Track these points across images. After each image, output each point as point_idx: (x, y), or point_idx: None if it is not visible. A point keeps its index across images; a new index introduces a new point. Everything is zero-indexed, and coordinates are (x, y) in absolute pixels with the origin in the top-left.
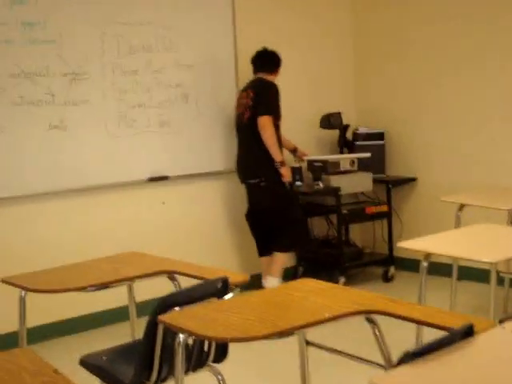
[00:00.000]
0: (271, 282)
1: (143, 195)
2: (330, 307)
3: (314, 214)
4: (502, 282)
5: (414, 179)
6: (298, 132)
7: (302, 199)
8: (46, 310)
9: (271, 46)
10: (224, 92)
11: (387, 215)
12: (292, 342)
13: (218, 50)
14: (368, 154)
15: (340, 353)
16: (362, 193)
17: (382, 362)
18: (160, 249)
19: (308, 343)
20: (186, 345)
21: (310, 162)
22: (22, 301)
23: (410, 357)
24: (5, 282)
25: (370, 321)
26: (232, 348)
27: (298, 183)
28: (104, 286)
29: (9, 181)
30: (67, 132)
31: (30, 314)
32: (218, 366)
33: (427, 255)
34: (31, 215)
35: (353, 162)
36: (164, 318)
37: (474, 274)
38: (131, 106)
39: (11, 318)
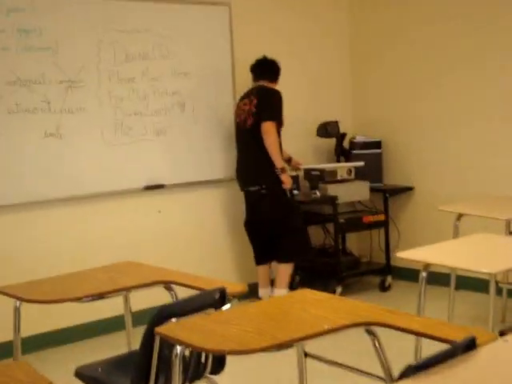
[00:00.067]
0: (279, 293)
1: (139, 204)
2: (329, 319)
3: (311, 222)
4: (499, 292)
5: (411, 188)
6: (294, 140)
7: None
8: (40, 319)
9: (268, 55)
10: (221, 100)
11: (384, 224)
12: (290, 353)
13: (215, 58)
14: (361, 163)
15: (339, 365)
16: (359, 202)
17: (382, 374)
18: (157, 257)
19: (306, 355)
20: (183, 356)
21: (307, 171)
22: (17, 311)
23: (411, 370)
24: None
25: (370, 332)
26: (229, 359)
27: (295, 192)
28: (100, 296)
29: (3, 188)
30: (63, 140)
31: (24, 323)
32: (216, 378)
33: (426, 265)
34: (26, 223)
35: (350, 171)
36: (161, 329)
37: (471, 283)
38: (127, 114)
39: (5, 327)
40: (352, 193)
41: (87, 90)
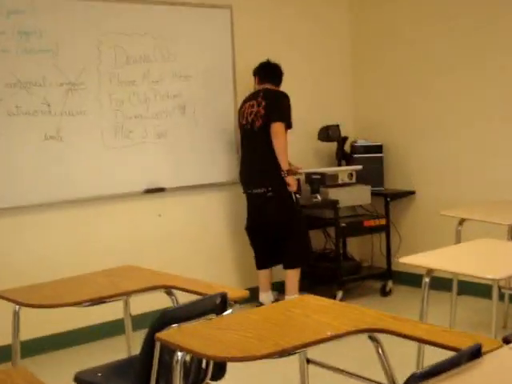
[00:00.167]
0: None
1: (140, 207)
2: (332, 325)
3: (312, 226)
4: (501, 298)
5: (412, 192)
6: (295, 144)
7: None
8: (39, 323)
9: (269, 58)
10: (222, 103)
11: (385, 228)
12: (292, 359)
13: (217, 61)
14: (359, 167)
15: (342, 371)
16: (361, 206)
17: (384, 381)
18: (157, 261)
19: (309, 361)
20: (184, 362)
21: (308, 175)
22: (16, 315)
23: (416, 379)
24: None
25: (373, 339)
26: (230, 365)
27: (298, 195)
28: (100, 301)
29: (3, 191)
30: (63, 142)
31: (23, 326)
32: None
33: (429, 271)
34: (26, 226)
35: (351, 175)
36: (162, 335)
37: (473, 288)
38: (128, 117)
39: (5, 331)
40: (353, 197)
41: (88, 92)
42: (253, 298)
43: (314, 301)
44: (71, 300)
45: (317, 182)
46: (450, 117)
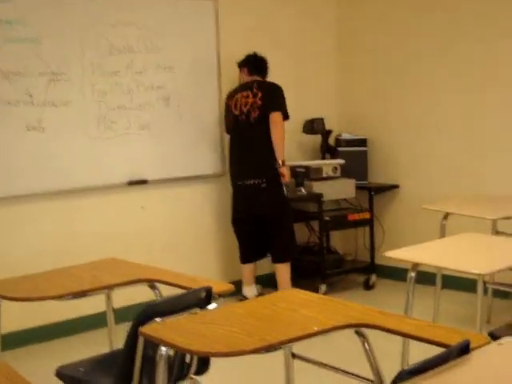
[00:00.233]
0: None
1: (123, 199)
2: (319, 320)
3: (296, 220)
4: (485, 292)
5: (396, 186)
6: None
7: None
8: (20, 315)
9: (254, 50)
10: (206, 94)
11: (369, 222)
12: (277, 353)
13: (201, 52)
14: (342, 161)
15: (327, 366)
16: (345, 199)
17: (370, 375)
18: (140, 254)
19: (294, 356)
20: (168, 356)
21: (293, 168)
22: None
23: (404, 375)
24: None
25: (360, 334)
26: (214, 359)
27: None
28: (82, 294)
29: None
30: (45, 133)
31: (3, 319)
32: (200, 378)
33: (415, 265)
34: (8, 217)
35: (335, 169)
36: (145, 329)
37: (457, 282)
38: (111, 108)
39: None
40: (337, 190)
41: (70, 83)
42: (236, 291)
43: (298, 295)
44: (53, 293)
45: (301, 175)
46: (435, 111)
